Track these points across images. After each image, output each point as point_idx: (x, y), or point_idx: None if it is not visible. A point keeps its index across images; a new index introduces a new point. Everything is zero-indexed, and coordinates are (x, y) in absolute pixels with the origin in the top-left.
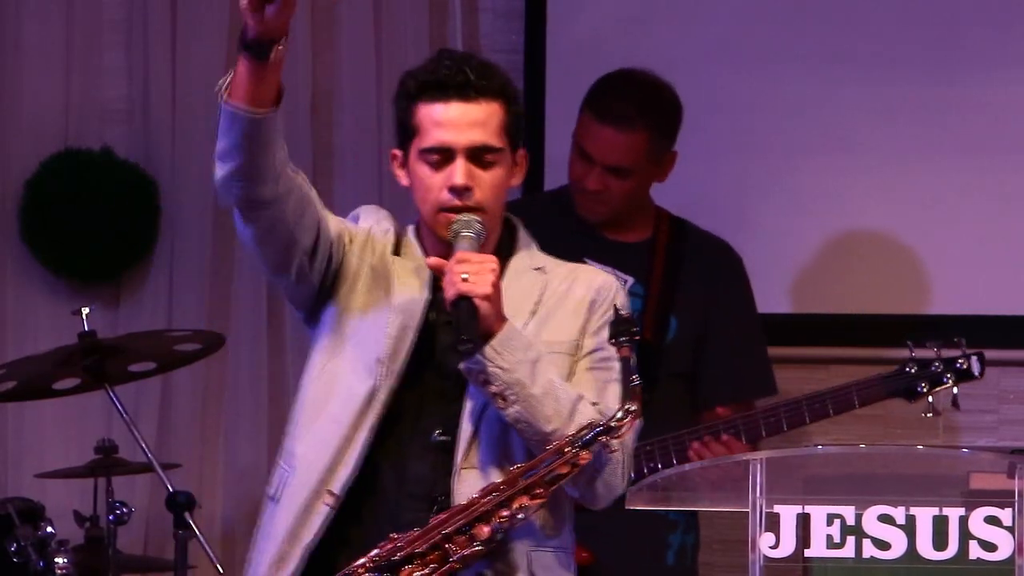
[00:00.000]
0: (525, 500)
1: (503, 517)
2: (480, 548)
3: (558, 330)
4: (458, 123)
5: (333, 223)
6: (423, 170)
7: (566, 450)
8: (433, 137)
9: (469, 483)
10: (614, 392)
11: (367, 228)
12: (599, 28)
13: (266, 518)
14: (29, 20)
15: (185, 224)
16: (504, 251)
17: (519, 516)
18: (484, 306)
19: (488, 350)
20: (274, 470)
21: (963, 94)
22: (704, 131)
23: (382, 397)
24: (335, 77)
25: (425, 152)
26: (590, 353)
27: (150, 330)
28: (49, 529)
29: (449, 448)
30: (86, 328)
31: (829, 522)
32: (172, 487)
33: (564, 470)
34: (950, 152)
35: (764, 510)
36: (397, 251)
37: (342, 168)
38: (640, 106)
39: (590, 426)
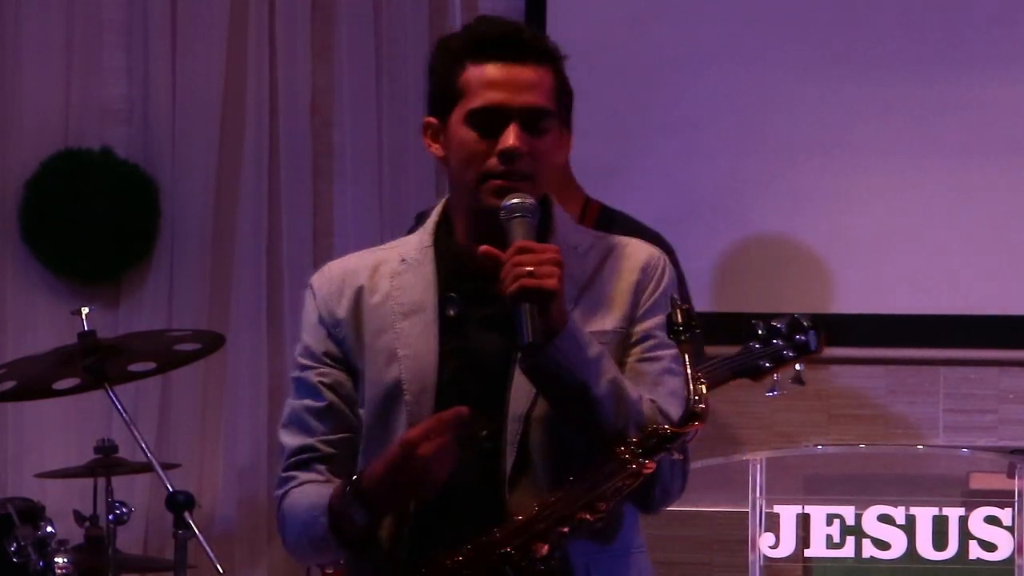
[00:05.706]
0: (585, 515)
1: (563, 534)
2: (541, 568)
3: (604, 319)
4: (513, 84)
5: (333, 376)
6: (468, 136)
7: (628, 460)
8: (484, 98)
9: (522, 492)
10: (669, 385)
11: (328, 303)
12: (599, 28)
13: None
14: (29, 20)
15: (185, 224)
16: (540, 230)
17: (579, 532)
18: (550, 302)
19: (552, 350)
20: None
21: (963, 94)
22: (703, 131)
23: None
24: (335, 77)
25: (474, 114)
26: (640, 342)
27: (150, 330)
28: (49, 529)
29: (496, 454)
30: (86, 328)
31: (829, 522)
32: (172, 487)
33: (628, 482)
34: (949, 152)
35: (764, 510)
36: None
37: (342, 168)
38: None
39: (655, 433)
